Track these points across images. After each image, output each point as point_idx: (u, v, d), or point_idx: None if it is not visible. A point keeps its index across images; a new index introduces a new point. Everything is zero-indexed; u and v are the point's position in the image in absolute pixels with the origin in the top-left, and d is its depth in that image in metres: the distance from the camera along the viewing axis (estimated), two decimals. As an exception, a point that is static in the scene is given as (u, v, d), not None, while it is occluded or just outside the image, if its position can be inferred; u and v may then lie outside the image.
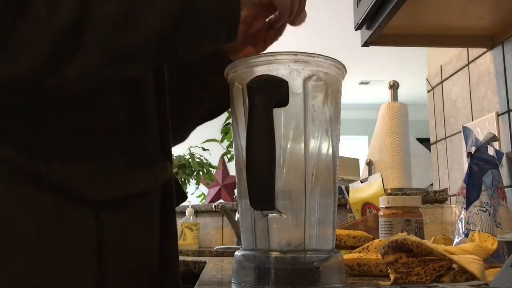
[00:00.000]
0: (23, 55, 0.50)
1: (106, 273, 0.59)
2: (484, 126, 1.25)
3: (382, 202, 0.92)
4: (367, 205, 1.28)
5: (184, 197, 0.78)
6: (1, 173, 0.55)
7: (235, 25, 0.62)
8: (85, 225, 0.58)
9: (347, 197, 1.45)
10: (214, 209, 2.20)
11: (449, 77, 1.48)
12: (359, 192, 1.32)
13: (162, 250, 0.69)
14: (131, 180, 0.64)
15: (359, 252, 0.81)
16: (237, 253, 0.64)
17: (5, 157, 0.55)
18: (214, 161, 2.82)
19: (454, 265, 0.60)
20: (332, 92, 0.63)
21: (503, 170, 1.14)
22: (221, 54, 0.78)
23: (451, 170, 1.48)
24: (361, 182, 1.34)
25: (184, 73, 0.81)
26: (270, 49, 0.70)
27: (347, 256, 0.79)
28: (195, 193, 2.89)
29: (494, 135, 1.01)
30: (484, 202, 0.95)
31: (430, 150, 1.66)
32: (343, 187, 1.58)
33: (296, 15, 0.72)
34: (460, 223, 0.96)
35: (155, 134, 0.70)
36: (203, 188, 2.89)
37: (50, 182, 0.57)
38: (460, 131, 1.36)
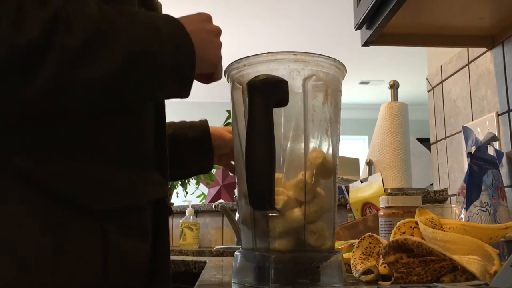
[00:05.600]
0: None
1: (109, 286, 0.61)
2: (484, 126, 1.25)
3: (382, 202, 0.92)
4: (367, 205, 1.28)
5: (170, 212, 0.82)
6: (14, 184, 0.55)
7: (187, 78, 0.64)
8: (92, 239, 0.60)
9: (347, 197, 1.45)
10: (214, 209, 2.20)
11: (449, 77, 1.48)
12: (359, 192, 1.32)
13: (155, 261, 0.71)
14: (133, 193, 0.66)
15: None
16: (237, 253, 0.64)
17: (22, 170, 0.56)
18: (214, 161, 2.81)
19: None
20: (332, 92, 0.63)
21: (503, 170, 1.14)
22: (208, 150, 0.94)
23: (451, 170, 1.48)
24: (361, 182, 1.34)
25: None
26: (270, 49, 0.70)
27: (347, 255, 0.79)
28: (195, 193, 2.89)
29: (494, 135, 1.01)
30: (484, 202, 0.95)
31: (430, 150, 1.66)
32: (343, 187, 1.58)
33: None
34: (460, 223, 0.96)
35: (152, 154, 0.73)
36: (203, 188, 2.89)
37: (57, 191, 0.57)
38: (460, 131, 1.36)
